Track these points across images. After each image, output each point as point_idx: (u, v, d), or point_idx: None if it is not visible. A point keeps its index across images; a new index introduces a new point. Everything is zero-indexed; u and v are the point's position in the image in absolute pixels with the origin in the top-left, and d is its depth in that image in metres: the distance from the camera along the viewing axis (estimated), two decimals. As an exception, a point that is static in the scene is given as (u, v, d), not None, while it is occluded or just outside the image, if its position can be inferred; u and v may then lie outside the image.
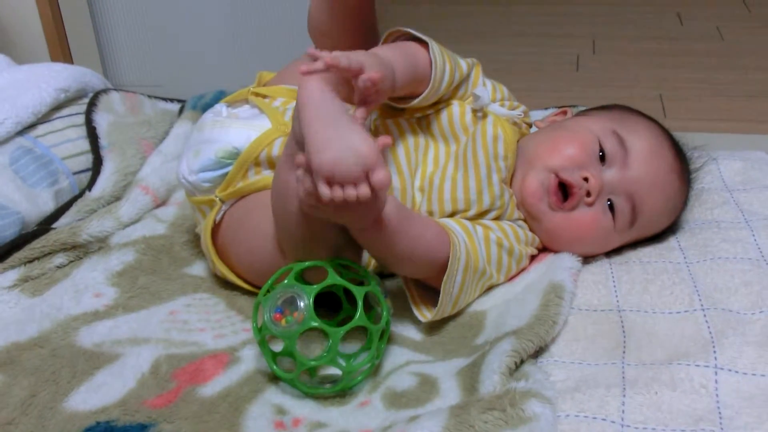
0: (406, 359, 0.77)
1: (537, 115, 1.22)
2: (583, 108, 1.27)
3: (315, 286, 0.71)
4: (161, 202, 1.02)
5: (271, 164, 0.84)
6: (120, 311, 0.84)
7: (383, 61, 0.74)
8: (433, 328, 0.82)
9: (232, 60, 1.66)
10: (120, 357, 0.76)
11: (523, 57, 2.06)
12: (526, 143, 0.91)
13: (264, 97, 0.90)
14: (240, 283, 0.86)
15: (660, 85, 1.81)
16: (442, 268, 0.77)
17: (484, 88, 0.89)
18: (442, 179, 0.85)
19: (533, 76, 1.92)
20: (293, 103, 0.86)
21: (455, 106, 0.86)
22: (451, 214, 0.85)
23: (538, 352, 0.76)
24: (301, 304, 0.70)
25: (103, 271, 0.90)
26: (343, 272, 0.74)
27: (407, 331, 0.82)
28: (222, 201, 0.85)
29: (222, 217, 0.86)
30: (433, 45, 0.82)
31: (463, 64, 0.86)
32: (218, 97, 1.16)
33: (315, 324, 0.69)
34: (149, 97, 1.20)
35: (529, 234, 0.89)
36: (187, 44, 1.66)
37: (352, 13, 0.88)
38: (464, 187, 0.84)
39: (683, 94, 1.76)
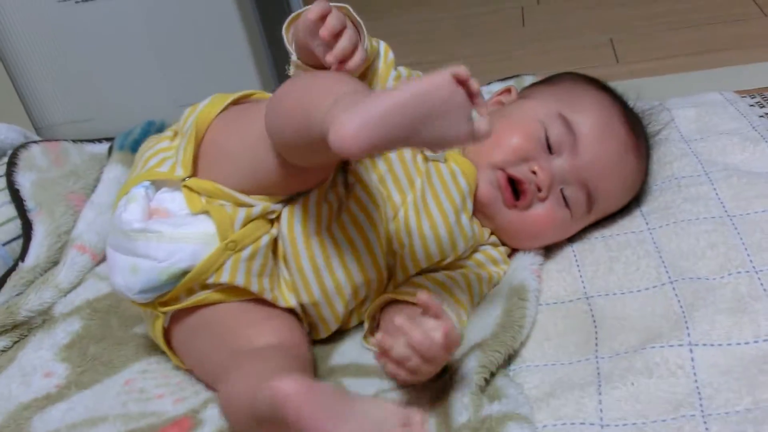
0: (374, 389, 0.74)
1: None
2: (530, 76, 1.24)
3: None
4: (102, 258, 0.96)
5: (217, 286, 0.74)
6: (73, 389, 0.80)
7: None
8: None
9: (158, 81, 1.60)
10: (77, 443, 0.73)
11: (466, 20, 1.99)
12: None
13: (199, 194, 0.75)
14: None
15: (610, 28, 1.76)
16: None
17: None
18: (410, 237, 0.79)
19: (480, 39, 1.86)
20: (242, 210, 0.74)
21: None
22: (429, 269, 0.81)
23: (510, 358, 0.74)
24: None
25: (50, 347, 0.85)
26: None
27: (371, 358, 0.77)
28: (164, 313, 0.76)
29: (170, 322, 0.77)
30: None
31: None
32: (147, 129, 1.10)
33: None
34: (74, 142, 1.14)
35: (501, 248, 0.85)
36: (110, 73, 1.61)
37: None
38: (436, 242, 0.79)
39: (634, 33, 1.71)
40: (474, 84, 0.58)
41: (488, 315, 0.77)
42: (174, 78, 1.58)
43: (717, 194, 0.85)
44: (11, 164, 1.02)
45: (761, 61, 1.40)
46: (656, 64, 1.54)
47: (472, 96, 0.58)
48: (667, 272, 0.78)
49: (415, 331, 0.64)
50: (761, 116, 1.02)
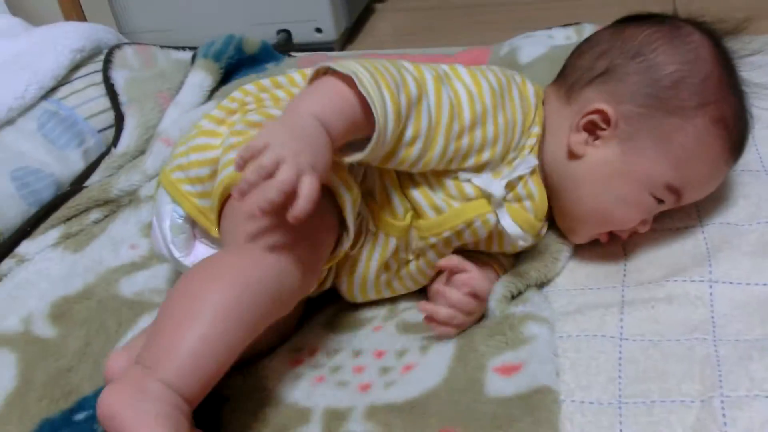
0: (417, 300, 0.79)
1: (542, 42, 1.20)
2: (590, 25, 1.23)
3: None
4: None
5: None
6: (155, 261, 0.89)
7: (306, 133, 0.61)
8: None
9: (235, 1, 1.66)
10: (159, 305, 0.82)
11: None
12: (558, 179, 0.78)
13: None
14: None
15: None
16: None
17: (493, 178, 0.73)
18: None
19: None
20: None
21: (476, 221, 0.73)
22: None
23: (543, 284, 0.78)
24: None
25: (136, 223, 0.95)
26: None
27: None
28: None
29: None
30: (359, 73, 0.63)
31: (411, 84, 0.67)
32: (228, 42, 1.17)
33: None
34: (161, 47, 1.22)
35: None
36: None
37: None
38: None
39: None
40: None
41: (528, 251, 0.81)
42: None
43: (757, 149, 0.87)
44: (107, 62, 1.12)
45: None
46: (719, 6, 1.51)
47: None
48: (698, 215, 0.81)
49: (451, 292, 0.71)
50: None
